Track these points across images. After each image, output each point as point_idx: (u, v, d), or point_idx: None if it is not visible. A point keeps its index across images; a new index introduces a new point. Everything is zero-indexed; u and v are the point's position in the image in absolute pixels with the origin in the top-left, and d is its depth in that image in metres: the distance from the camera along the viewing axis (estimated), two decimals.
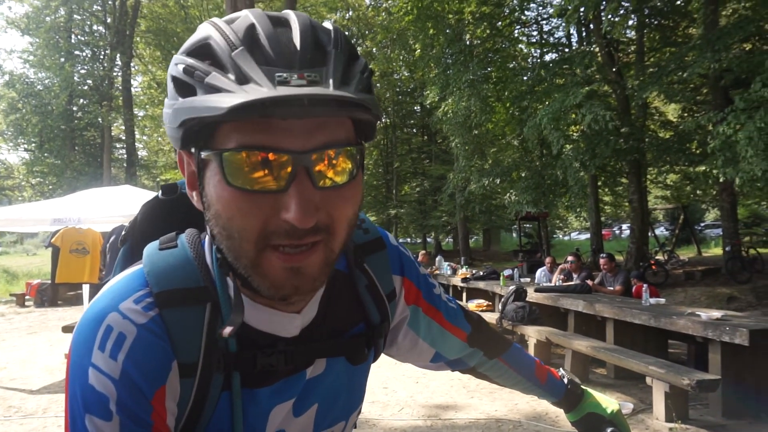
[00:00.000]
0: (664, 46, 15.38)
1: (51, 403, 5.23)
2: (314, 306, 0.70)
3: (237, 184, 0.54)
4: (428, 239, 29.75)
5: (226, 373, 0.64)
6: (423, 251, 13.48)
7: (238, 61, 0.53)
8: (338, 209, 0.57)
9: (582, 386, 1.08)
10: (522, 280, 9.08)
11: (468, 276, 9.67)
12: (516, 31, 18.11)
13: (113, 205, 7.28)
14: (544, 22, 18.72)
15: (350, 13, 28.76)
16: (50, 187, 26.22)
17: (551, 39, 19.31)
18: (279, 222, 0.55)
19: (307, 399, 0.72)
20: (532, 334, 6.55)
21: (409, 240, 34.66)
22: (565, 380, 1.06)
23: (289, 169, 0.54)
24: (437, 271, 11.19)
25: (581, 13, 11.90)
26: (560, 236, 40.43)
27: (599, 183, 17.39)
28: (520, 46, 18.64)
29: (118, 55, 26.17)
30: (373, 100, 0.55)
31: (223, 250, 0.59)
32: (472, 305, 8.67)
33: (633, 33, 16.06)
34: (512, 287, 7.37)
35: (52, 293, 13.14)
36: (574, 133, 14.09)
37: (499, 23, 16.72)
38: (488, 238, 31.21)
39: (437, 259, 12.21)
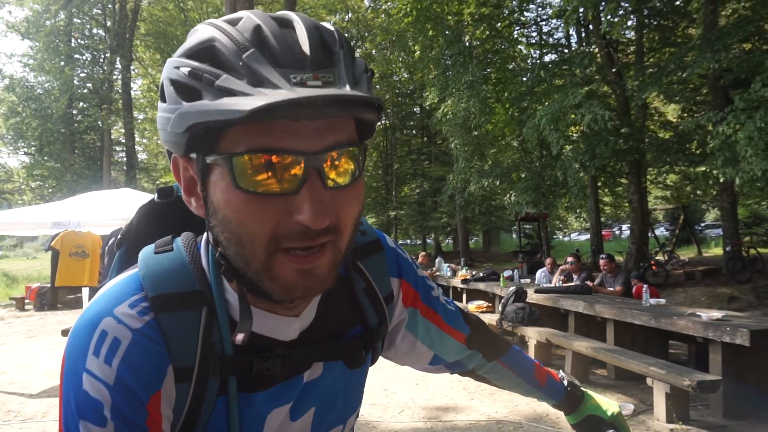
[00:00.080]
0: (664, 46, 15.39)
1: (50, 407, 5.22)
2: (313, 309, 0.70)
3: (248, 187, 0.54)
4: (428, 240, 29.75)
5: (223, 377, 0.63)
6: (423, 252, 13.48)
7: (251, 63, 0.52)
8: (345, 209, 0.57)
9: (582, 388, 1.07)
10: (522, 281, 9.07)
11: (468, 277, 9.67)
12: (515, 32, 18.13)
13: (113, 208, 7.29)
14: (544, 23, 18.75)
15: (349, 14, 28.80)
16: (50, 190, 26.21)
17: (551, 40, 19.34)
18: (291, 224, 0.54)
19: (304, 403, 0.71)
20: (533, 335, 6.54)
21: (408, 241, 34.67)
22: (565, 382, 1.05)
23: (301, 171, 0.53)
24: (437, 273, 11.19)
25: (580, 14, 11.92)
26: (560, 237, 40.44)
27: (599, 183, 17.40)
28: (519, 47, 18.66)
29: (118, 58, 26.17)
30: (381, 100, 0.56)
31: (230, 256, 0.59)
32: (472, 306, 8.67)
33: (632, 33, 16.07)
34: (512, 288, 7.36)
35: (52, 297, 13.13)
36: (574, 134, 14.10)
37: (499, 24, 16.74)
38: (488, 239, 31.22)
39: (437, 260, 12.22)
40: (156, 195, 0.80)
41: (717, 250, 18.39)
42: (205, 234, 0.69)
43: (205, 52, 0.55)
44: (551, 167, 14.77)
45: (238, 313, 0.64)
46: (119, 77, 27.22)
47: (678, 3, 13.83)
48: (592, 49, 14.41)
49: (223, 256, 0.60)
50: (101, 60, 27.67)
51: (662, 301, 6.22)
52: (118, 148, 30.35)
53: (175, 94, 0.55)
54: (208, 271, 0.65)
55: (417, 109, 29.08)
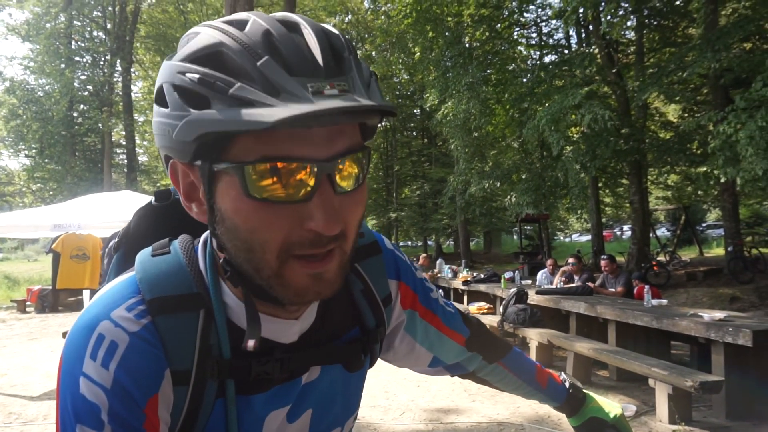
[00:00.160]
0: (664, 46, 15.40)
1: (52, 409, 5.22)
2: (313, 311, 0.69)
3: (259, 196, 0.53)
4: (429, 242, 29.75)
5: (220, 380, 0.63)
6: (424, 254, 13.49)
7: (266, 71, 0.51)
8: (351, 213, 0.58)
9: (584, 390, 1.06)
10: (523, 282, 9.06)
11: (469, 279, 9.66)
12: (515, 33, 18.14)
13: (113, 211, 7.30)
14: (543, 23, 18.74)
15: (349, 16, 28.86)
16: (51, 192, 26.25)
17: (551, 41, 19.32)
18: (302, 232, 0.55)
19: (301, 404, 0.71)
20: (534, 336, 6.53)
21: (409, 243, 34.70)
22: (567, 384, 1.05)
23: (313, 179, 0.53)
24: (438, 274, 11.18)
25: (580, 14, 11.92)
26: (561, 238, 40.44)
27: (600, 184, 17.39)
28: (519, 48, 18.66)
29: (118, 60, 26.23)
30: None
31: (238, 262, 0.58)
32: (473, 308, 8.66)
33: (632, 34, 16.07)
34: (513, 289, 7.35)
35: (53, 299, 13.14)
36: (575, 135, 14.10)
37: (499, 25, 16.75)
38: (489, 240, 31.23)
39: (438, 262, 12.20)
40: (153, 198, 0.79)
41: (719, 251, 18.39)
42: (202, 236, 0.68)
43: (212, 57, 0.54)
44: (552, 168, 14.78)
45: (236, 315, 0.64)
46: (119, 79, 27.27)
47: (678, 3, 13.84)
48: (592, 50, 14.43)
49: (228, 262, 0.60)
50: (101, 62, 27.72)
51: (664, 301, 6.20)
52: (118, 151, 30.39)
53: (180, 100, 0.54)
54: (205, 273, 0.65)
55: (417, 111, 29.10)
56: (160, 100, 0.57)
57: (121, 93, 27.29)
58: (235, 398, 0.64)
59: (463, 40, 16.65)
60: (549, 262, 9.35)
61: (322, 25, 0.58)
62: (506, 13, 16.66)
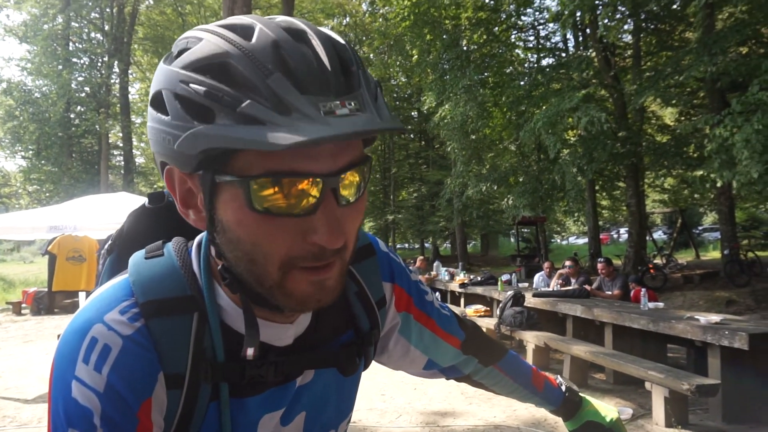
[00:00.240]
0: (661, 50, 15.45)
1: (46, 412, 5.18)
2: (307, 315, 0.69)
3: (263, 209, 0.53)
4: (426, 244, 29.79)
5: (214, 383, 0.63)
6: (421, 257, 13.47)
7: (276, 88, 0.50)
8: (352, 223, 0.58)
9: (580, 394, 1.06)
10: (520, 285, 9.07)
11: (466, 281, 9.66)
12: (513, 37, 18.19)
13: (110, 212, 7.27)
14: (541, 27, 18.80)
15: (347, 19, 28.90)
16: (47, 194, 26.16)
17: (548, 44, 19.39)
18: (305, 245, 0.54)
19: (295, 407, 0.71)
20: (531, 339, 6.53)
21: (406, 245, 34.71)
22: (563, 388, 1.05)
23: (318, 193, 0.53)
24: (435, 277, 11.17)
25: (577, 18, 11.97)
26: (558, 241, 40.49)
27: (597, 187, 17.44)
28: (516, 51, 18.71)
29: (116, 62, 26.21)
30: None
31: (239, 271, 0.58)
32: (470, 311, 8.65)
33: (629, 37, 16.13)
34: (510, 292, 7.35)
35: (49, 301, 13.09)
36: (571, 138, 14.13)
37: (496, 28, 16.80)
38: (486, 243, 31.26)
39: (435, 264, 12.20)
40: (147, 200, 0.79)
41: (715, 254, 18.43)
42: (196, 239, 0.68)
43: (217, 68, 0.52)
44: (549, 171, 14.80)
45: (229, 318, 0.64)
46: (117, 81, 27.26)
47: (675, 7, 13.89)
48: (589, 53, 14.48)
49: (227, 269, 0.59)
50: (99, 64, 27.69)
51: (660, 304, 6.21)
52: (115, 152, 30.34)
53: (183, 111, 0.52)
54: (199, 275, 0.64)
55: (415, 113, 29.13)
56: (159, 106, 0.55)
57: (118, 95, 27.28)
58: (229, 401, 0.63)
59: (461, 43, 16.69)
60: (546, 264, 9.36)
61: (328, 33, 0.57)
62: (504, 17, 16.71)
